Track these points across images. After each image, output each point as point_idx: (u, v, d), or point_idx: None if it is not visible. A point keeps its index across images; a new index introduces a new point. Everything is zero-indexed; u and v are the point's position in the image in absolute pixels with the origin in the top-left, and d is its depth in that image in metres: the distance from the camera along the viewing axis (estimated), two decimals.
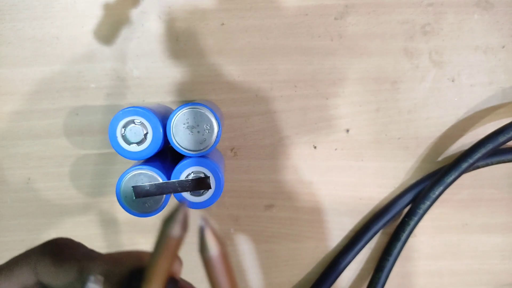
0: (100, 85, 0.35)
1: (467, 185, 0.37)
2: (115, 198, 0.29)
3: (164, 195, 0.29)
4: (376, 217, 0.37)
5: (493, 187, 0.37)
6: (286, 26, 0.35)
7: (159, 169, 0.28)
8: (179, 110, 0.28)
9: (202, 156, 0.29)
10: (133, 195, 0.28)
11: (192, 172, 0.29)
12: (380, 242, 0.38)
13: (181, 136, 0.28)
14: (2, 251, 0.36)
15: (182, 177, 0.28)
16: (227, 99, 0.35)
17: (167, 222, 0.15)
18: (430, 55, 0.35)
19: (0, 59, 0.34)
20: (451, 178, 0.34)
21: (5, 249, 0.36)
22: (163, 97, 0.35)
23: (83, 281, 0.17)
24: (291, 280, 0.38)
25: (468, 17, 0.35)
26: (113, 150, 0.30)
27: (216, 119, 0.28)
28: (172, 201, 0.31)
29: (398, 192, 0.37)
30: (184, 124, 0.28)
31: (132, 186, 0.28)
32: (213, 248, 0.15)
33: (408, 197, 0.36)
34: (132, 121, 0.28)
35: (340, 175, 0.37)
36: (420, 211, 0.35)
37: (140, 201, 0.28)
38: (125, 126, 0.28)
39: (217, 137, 0.28)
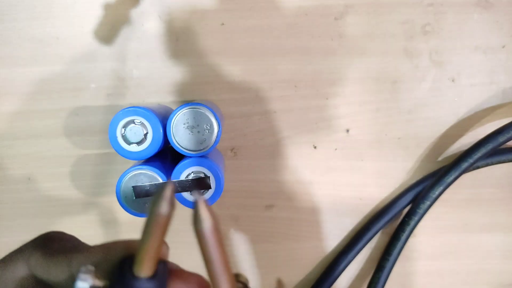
0: (100, 85, 0.35)
1: (467, 184, 0.37)
2: (115, 198, 0.29)
3: None
4: (376, 217, 0.37)
5: (493, 187, 0.37)
6: (286, 26, 0.35)
7: (159, 169, 0.28)
8: (179, 110, 0.28)
9: (202, 156, 0.29)
10: (133, 195, 0.28)
11: (192, 172, 0.28)
12: (380, 242, 0.38)
13: (181, 136, 0.28)
14: (1, 252, 0.36)
15: (182, 177, 0.28)
16: (227, 99, 0.35)
17: (155, 201, 0.15)
18: (430, 55, 0.35)
19: (0, 59, 0.34)
20: (451, 178, 0.34)
21: (5, 250, 0.36)
22: (163, 97, 0.35)
23: (72, 273, 0.17)
24: (291, 280, 0.38)
25: (468, 16, 0.35)
26: (113, 150, 0.30)
27: (216, 119, 0.28)
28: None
29: (398, 192, 0.37)
30: (184, 124, 0.28)
31: (132, 186, 0.28)
32: (206, 221, 0.15)
33: (408, 197, 0.36)
34: (132, 121, 0.28)
35: (340, 175, 0.37)
36: (420, 211, 0.35)
37: (140, 201, 0.28)
38: (125, 126, 0.28)
39: (217, 137, 0.28)
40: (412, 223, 0.35)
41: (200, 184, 0.28)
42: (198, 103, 0.28)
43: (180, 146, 0.28)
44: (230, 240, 0.37)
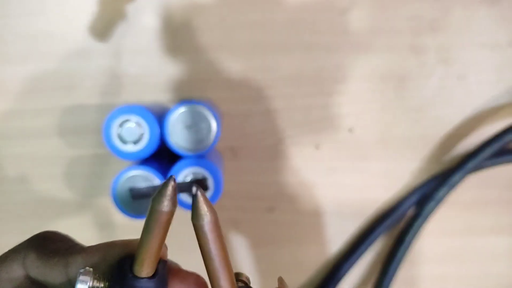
0: (95, 83, 0.35)
1: (473, 186, 0.37)
2: (111, 200, 0.29)
3: None
4: (380, 219, 0.37)
5: (499, 188, 0.37)
6: (288, 22, 0.35)
7: (156, 170, 0.29)
8: (176, 108, 0.28)
9: (200, 157, 0.29)
10: (129, 196, 0.28)
11: (189, 173, 0.28)
12: (384, 245, 0.38)
13: (178, 135, 0.28)
14: None
15: (179, 178, 0.28)
16: (226, 97, 0.35)
17: (156, 198, 0.15)
18: (437, 52, 0.35)
19: None
20: (456, 179, 0.34)
21: None
22: (160, 95, 0.35)
23: (69, 275, 0.17)
24: (293, 284, 0.38)
25: (475, 13, 0.35)
26: (108, 150, 0.31)
27: (215, 118, 0.28)
28: None
29: (402, 194, 0.37)
30: (181, 123, 0.28)
31: (129, 188, 0.28)
32: (205, 215, 0.15)
33: (413, 198, 0.36)
34: (128, 120, 0.28)
35: (344, 176, 0.37)
36: (425, 213, 0.35)
37: (136, 202, 0.28)
38: (120, 125, 0.28)
39: (215, 137, 0.28)
40: (417, 225, 0.35)
41: (198, 185, 0.28)
42: (196, 101, 0.28)
43: (177, 146, 0.28)
44: (230, 244, 0.37)
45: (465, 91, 0.36)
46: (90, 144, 0.35)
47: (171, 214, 0.15)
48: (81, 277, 0.16)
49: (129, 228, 0.36)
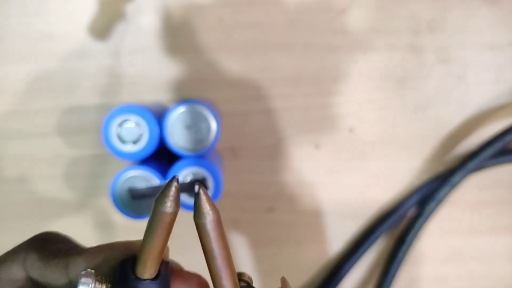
0: (94, 83, 0.35)
1: (474, 186, 0.37)
2: (110, 200, 0.29)
3: None
4: (381, 219, 0.37)
5: (501, 188, 0.37)
6: (288, 21, 0.35)
7: (156, 170, 0.28)
8: (176, 108, 0.28)
9: (200, 157, 0.29)
10: (129, 197, 0.28)
11: (189, 173, 0.28)
12: (385, 246, 0.38)
13: (177, 135, 0.28)
14: None
15: (179, 178, 0.28)
16: (226, 97, 0.35)
17: (159, 199, 0.15)
18: (437, 51, 0.35)
19: None
20: (457, 179, 0.34)
21: None
22: (159, 95, 0.35)
23: (70, 277, 0.17)
24: (293, 285, 0.38)
25: (474, 12, 0.35)
26: (107, 150, 0.30)
27: (214, 118, 0.28)
28: None
29: (403, 194, 0.37)
30: (181, 123, 0.28)
31: (128, 188, 0.28)
32: (208, 214, 0.15)
33: (414, 198, 0.36)
34: (127, 120, 0.28)
35: (344, 176, 0.37)
36: (426, 213, 0.35)
37: (135, 202, 0.28)
38: (120, 125, 0.28)
39: (215, 137, 0.28)
40: (418, 225, 0.35)
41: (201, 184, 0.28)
42: (196, 101, 0.28)
43: (177, 146, 0.28)
44: (230, 244, 0.37)
45: (465, 91, 0.36)
46: (89, 144, 0.35)
47: (174, 214, 0.15)
48: (83, 279, 0.16)
49: (128, 228, 0.36)
